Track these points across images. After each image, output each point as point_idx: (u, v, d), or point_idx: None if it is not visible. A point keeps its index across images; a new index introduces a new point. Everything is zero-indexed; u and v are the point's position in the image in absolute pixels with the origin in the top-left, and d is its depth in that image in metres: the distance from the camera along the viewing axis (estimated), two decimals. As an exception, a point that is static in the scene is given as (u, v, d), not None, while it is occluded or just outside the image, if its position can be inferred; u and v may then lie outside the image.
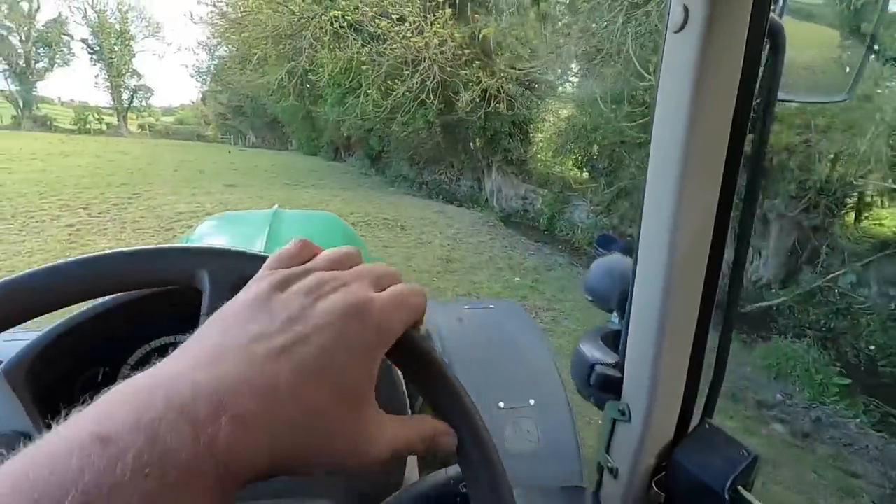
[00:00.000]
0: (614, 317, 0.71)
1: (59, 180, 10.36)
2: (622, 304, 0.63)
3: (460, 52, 7.85)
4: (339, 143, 19.30)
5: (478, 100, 8.37)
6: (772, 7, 0.45)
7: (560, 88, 11.01)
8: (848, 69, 0.58)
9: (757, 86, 0.47)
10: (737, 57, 0.45)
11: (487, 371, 0.79)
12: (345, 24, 7.75)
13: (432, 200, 11.52)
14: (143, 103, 35.01)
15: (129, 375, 0.53)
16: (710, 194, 0.50)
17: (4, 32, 27.63)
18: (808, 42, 0.61)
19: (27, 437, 0.46)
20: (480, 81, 8.29)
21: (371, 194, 10.86)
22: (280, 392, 0.22)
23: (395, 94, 8.08)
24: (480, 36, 7.73)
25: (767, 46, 0.46)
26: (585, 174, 10.29)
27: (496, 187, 12.17)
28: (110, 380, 0.57)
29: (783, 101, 0.49)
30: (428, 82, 7.93)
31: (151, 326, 0.59)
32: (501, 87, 8.47)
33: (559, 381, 0.87)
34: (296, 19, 8.78)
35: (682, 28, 0.44)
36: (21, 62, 28.00)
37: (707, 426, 0.60)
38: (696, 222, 0.50)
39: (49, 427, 0.34)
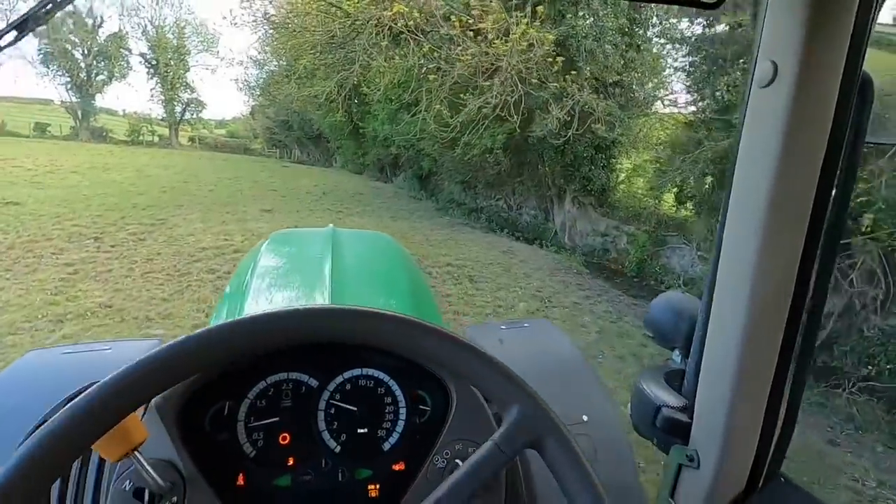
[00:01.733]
0: (675, 355, 0.67)
1: (85, 199, 9.42)
2: (686, 342, 0.62)
3: (550, 60, 6.23)
4: (386, 162, 18.08)
5: (566, 117, 6.70)
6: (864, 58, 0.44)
7: (653, 106, 9.21)
8: None
9: (846, 135, 0.46)
10: (827, 110, 0.45)
11: (539, 389, 0.60)
12: (410, 22, 6.31)
13: (495, 235, 9.86)
14: (195, 116, 35.44)
15: (251, 407, 0.60)
16: (795, 241, 0.50)
17: (69, 47, 28.47)
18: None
19: (173, 467, 0.51)
20: (572, 95, 6.65)
21: (425, 226, 9.32)
22: None
23: (466, 109, 6.55)
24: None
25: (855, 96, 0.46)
26: (687, 211, 8.39)
27: (569, 220, 10.40)
28: (234, 412, 0.59)
29: (870, 143, 0.50)
30: (509, 96, 6.35)
31: (267, 363, 0.61)
32: (596, 103, 6.78)
33: (607, 396, 0.83)
34: (349, 22, 7.45)
35: (770, 83, 0.45)
36: (82, 75, 28.73)
37: (783, 479, 0.59)
38: (779, 269, 0.50)
39: (194, 457, 0.54)
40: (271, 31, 9.56)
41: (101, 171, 14.68)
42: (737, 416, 0.54)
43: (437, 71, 6.61)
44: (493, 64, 6.56)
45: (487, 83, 6.37)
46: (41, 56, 28.26)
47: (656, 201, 8.75)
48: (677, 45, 8.23)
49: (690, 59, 8.06)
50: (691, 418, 0.59)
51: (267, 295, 1.22)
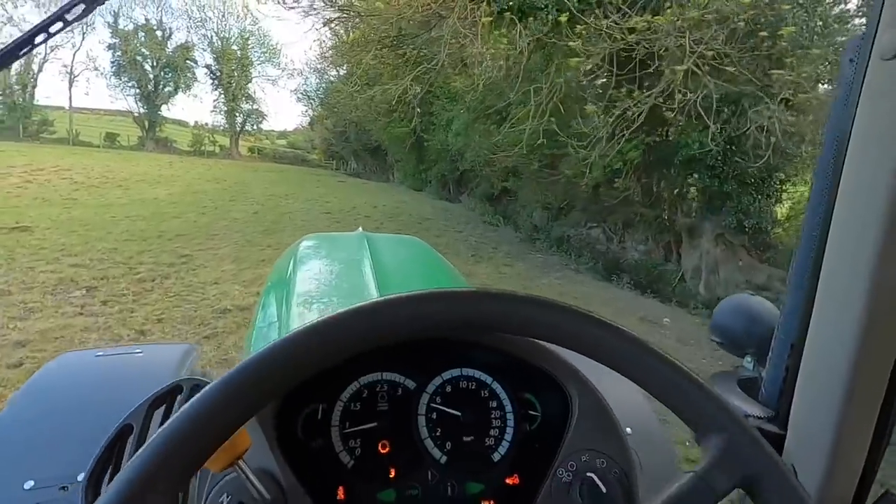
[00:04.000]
0: (747, 361, 0.63)
1: (110, 223, 7.95)
2: (761, 348, 0.58)
3: (760, 41, 3.81)
4: (450, 179, 16.06)
5: (766, 125, 4.26)
6: None
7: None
8: None
9: None
10: None
11: None
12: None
13: (610, 284, 7.43)
14: (255, 127, 35.31)
15: (343, 410, 0.54)
16: None
17: (139, 58, 28.93)
18: None
19: (272, 477, 0.45)
20: (775, 94, 4.21)
21: (519, 272, 7.07)
22: None
23: (620, 112, 4.27)
24: None
25: None
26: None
27: (707, 264, 7.76)
28: (327, 416, 0.56)
29: None
30: (691, 92, 4.01)
31: (359, 363, 0.58)
32: (808, 102, 4.29)
33: (648, 407, 0.78)
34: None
35: None
36: (150, 86, 29.07)
37: (893, 495, 0.52)
38: None
39: (292, 466, 0.48)
40: (334, 18, 7.78)
41: (148, 184, 13.62)
42: (845, 428, 0.48)
43: (569, 56, 4.36)
44: (649, 46, 4.27)
45: (650, 73, 4.05)
46: (114, 68, 28.91)
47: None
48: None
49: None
50: (783, 429, 0.53)
51: (315, 298, 1.25)
